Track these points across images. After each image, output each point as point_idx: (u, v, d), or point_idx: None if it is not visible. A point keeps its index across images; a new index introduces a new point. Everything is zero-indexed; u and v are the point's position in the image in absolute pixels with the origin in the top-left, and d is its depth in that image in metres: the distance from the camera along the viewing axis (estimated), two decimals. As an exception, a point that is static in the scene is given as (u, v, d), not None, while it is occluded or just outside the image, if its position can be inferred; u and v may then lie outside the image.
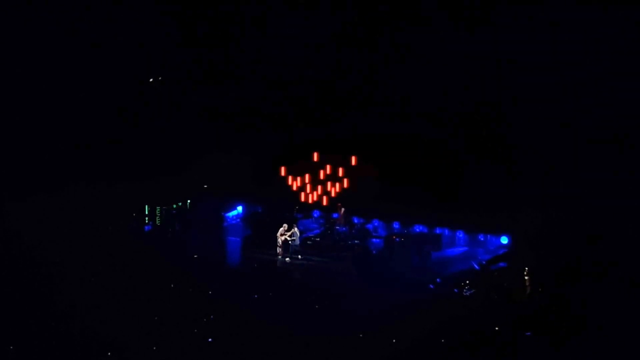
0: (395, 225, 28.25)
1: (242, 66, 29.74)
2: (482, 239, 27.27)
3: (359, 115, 28.50)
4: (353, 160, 29.05)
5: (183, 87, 30.37)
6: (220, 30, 29.40)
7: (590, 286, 21.33)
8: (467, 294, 23.07)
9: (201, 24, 29.33)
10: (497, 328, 20.23)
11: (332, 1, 28.55)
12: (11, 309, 20.90)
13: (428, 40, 27.18)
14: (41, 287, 22.26)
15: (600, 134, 24.57)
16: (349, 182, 29.31)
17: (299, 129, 29.50)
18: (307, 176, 29.89)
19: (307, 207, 30.00)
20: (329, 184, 29.58)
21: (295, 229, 27.76)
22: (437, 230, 27.60)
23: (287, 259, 27.39)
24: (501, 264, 24.69)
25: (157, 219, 29.70)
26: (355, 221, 28.97)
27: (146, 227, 29.68)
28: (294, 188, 30.05)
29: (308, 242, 28.28)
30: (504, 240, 26.40)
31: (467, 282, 23.34)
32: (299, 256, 27.47)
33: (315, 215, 30.11)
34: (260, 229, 29.19)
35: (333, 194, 29.54)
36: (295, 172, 30.00)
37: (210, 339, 19.59)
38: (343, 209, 28.77)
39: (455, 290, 23.26)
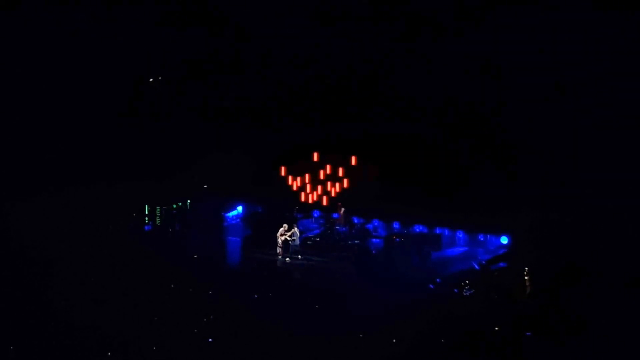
0: (395, 225, 28.22)
1: (242, 66, 29.76)
2: (482, 239, 27.24)
3: (359, 116, 28.50)
4: (353, 160, 29.04)
5: (183, 87, 30.38)
6: (220, 30, 29.41)
7: (590, 286, 21.33)
8: (467, 294, 23.06)
9: (201, 24, 29.34)
10: (497, 328, 20.22)
11: (332, 1, 28.57)
12: (11, 309, 20.90)
13: (428, 41, 27.21)
14: (41, 287, 22.26)
15: (600, 134, 24.58)
16: (349, 182, 29.30)
17: (299, 129, 29.49)
18: (307, 176, 29.87)
19: (307, 207, 29.98)
20: (329, 184, 29.57)
21: (295, 229, 27.75)
22: (437, 231, 27.58)
23: (287, 259, 27.38)
24: (501, 264, 24.67)
25: (157, 219, 29.70)
26: (355, 221, 28.94)
27: (146, 227, 29.68)
28: (294, 188, 30.04)
29: (308, 242, 28.27)
30: (504, 240, 26.37)
31: (467, 282, 23.32)
32: (299, 256, 27.46)
33: (315, 215, 30.09)
34: (260, 229, 29.16)
35: (333, 194, 29.52)
36: (295, 172, 29.99)
37: (210, 339, 19.60)
38: (343, 209, 28.75)
39: (455, 290, 23.25)
